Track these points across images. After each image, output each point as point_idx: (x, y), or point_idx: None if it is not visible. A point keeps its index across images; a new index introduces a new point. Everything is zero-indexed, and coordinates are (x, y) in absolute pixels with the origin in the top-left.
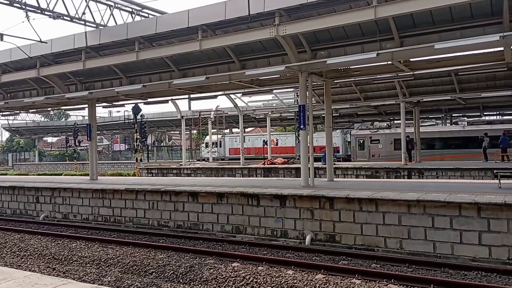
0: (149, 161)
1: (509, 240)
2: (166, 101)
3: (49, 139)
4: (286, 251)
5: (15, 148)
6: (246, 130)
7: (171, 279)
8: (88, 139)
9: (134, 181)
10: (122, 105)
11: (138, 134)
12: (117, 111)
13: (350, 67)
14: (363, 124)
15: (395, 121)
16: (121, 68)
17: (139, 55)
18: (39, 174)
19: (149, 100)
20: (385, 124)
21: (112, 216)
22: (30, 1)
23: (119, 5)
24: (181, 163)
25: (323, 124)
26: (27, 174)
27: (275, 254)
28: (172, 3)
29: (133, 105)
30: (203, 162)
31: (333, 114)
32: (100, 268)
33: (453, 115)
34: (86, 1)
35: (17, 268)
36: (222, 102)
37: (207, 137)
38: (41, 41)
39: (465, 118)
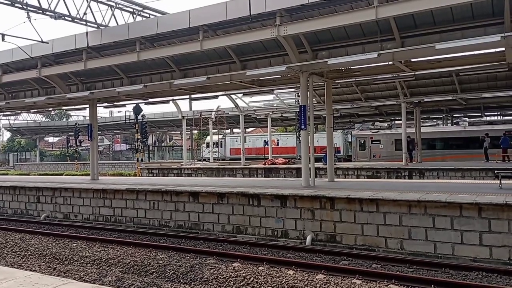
0: (150, 161)
1: (510, 241)
2: (167, 101)
3: (50, 139)
4: (287, 251)
5: (16, 148)
6: (247, 130)
7: (171, 279)
8: (89, 139)
9: (135, 181)
10: (123, 105)
11: (139, 134)
12: (118, 111)
13: (351, 67)
14: (364, 124)
15: (396, 122)
16: (122, 68)
17: (140, 55)
18: (40, 174)
19: (150, 100)
20: (386, 125)
21: (113, 216)
22: (31, 1)
23: (120, 6)
24: (182, 163)
25: (324, 124)
26: (28, 174)
27: (275, 254)
28: (173, 4)
29: (134, 105)
30: (204, 162)
31: (334, 115)
32: (101, 268)
33: (454, 115)
34: (87, 2)
35: (18, 268)
36: (223, 102)
37: (208, 137)
38: (42, 41)
39: (466, 118)
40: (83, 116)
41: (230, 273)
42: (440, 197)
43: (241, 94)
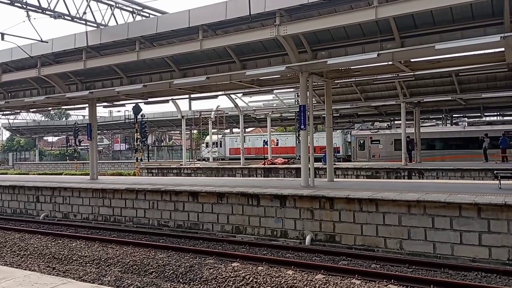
0: (150, 160)
1: (509, 241)
2: (167, 101)
3: (50, 139)
4: (286, 251)
5: (15, 147)
6: (247, 130)
7: (171, 278)
8: (89, 138)
9: (134, 180)
10: (123, 105)
11: (138, 133)
12: (118, 111)
13: (351, 67)
14: (363, 124)
15: (396, 122)
16: (122, 67)
17: (140, 55)
18: (39, 174)
19: (150, 100)
20: (386, 125)
21: (112, 215)
22: (31, 0)
23: (120, 5)
24: (181, 163)
25: (323, 124)
26: (27, 174)
27: (275, 254)
28: (173, 3)
29: (134, 104)
30: (203, 162)
31: (334, 114)
32: (100, 267)
33: (453, 115)
34: (87, 1)
35: (17, 267)
36: (222, 102)
37: (208, 137)
38: (42, 41)
39: (466, 118)
40: (83, 115)
41: (230, 273)
42: (439, 197)
43: (241, 94)
